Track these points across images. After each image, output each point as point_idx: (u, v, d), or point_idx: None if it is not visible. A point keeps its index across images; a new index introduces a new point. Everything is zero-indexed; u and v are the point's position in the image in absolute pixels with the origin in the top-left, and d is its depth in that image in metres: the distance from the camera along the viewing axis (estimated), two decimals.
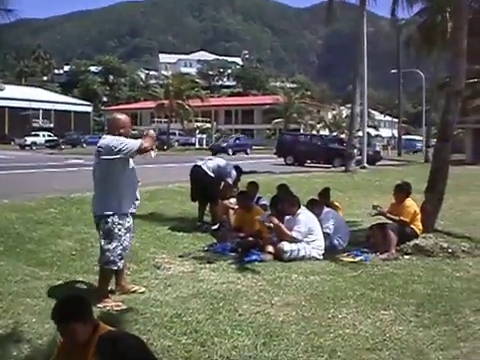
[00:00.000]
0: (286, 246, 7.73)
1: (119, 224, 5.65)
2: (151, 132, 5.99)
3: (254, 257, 7.62)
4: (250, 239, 8.15)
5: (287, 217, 8.27)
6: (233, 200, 9.61)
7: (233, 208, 9.45)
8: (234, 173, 10.30)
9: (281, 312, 5.44)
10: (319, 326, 5.11)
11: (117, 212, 5.64)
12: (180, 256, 7.85)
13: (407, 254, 8.31)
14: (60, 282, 6.36)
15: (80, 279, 6.55)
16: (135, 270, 7.13)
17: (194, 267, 7.15)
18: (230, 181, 10.20)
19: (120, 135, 5.70)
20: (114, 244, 5.64)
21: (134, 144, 5.61)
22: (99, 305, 5.47)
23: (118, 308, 5.50)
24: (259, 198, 10.06)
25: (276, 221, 8.04)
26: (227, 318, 5.22)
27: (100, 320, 4.46)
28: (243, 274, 6.89)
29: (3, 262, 7.08)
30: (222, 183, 10.18)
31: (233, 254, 8.05)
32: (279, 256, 7.72)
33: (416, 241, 8.54)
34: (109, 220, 5.61)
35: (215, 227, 9.60)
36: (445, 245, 8.45)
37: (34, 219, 9.73)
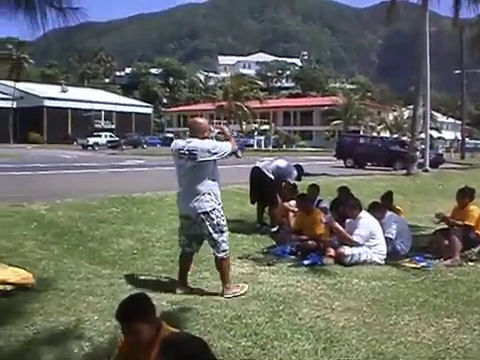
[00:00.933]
0: (347, 250, 7.62)
1: (222, 215, 6.15)
2: (226, 129, 6.58)
3: (314, 260, 7.54)
4: (310, 242, 8.06)
5: (348, 220, 8.16)
6: (293, 202, 9.53)
7: (293, 210, 9.38)
8: (295, 173, 10.25)
9: (342, 317, 5.35)
10: (381, 333, 4.99)
11: (217, 207, 6.08)
12: (239, 257, 7.85)
13: (472, 261, 8.04)
14: (122, 280, 6.46)
15: (142, 278, 6.63)
16: (195, 270, 7.15)
17: (253, 269, 7.13)
18: (291, 180, 10.15)
19: (205, 138, 6.09)
20: (225, 234, 6.16)
21: (227, 146, 6.16)
22: (228, 295, 5.98)
23: (243, 291, 6.11)
24: (319, 201, 9.94)
25: (337, 224, 7.93)
26: (287, 321, 5.17)
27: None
28: (303, 277, 6.82)
29: (67, 260, 7.26)
30: (282, 184, 10.15)
31: (293, 257, 8.00)
32: (340, 260, 7.61)
33: None
34: (213, 215, 6.03)
35: (274, 229, 9.58)
36: None
37: (96, 218, 9.95)
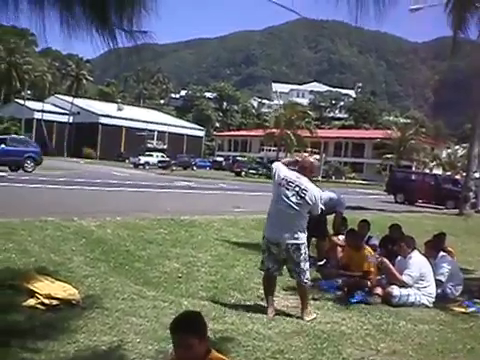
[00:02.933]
0: (395, 290, 7.43)
1: (306, 249, 6.63)
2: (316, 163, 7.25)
3: (361, 298, 7.38)
4: (358, 279, 7.89)
5: (399, 258, 7.96)
6: (341, 237, 9.39)
7: (341, 245, 9.23)
8: (345, 204, 10.11)
9: None
10: None
11: (305, 241, 6.57)
12: (284, 289, 7.74)
13: None
14: (165, 304, 6.45)
15: (185, 303, 6.59)
16: (239, 299, 7.11)
17: (298, 302, 7.00)
18: (342, 210, 10.04)
19: (310, 180, 6.54)
20: (308, 264, 6.62)
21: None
22: (307, 319, 6.34)
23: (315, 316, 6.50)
24: (370, 237, 9.75)
25: (387, 263, 7.75)
26: None
27: None
28: (348, 315, 6.67)
29: (113, 278, 7.30)
30: (334, 215, 10.03)
31: (339, 293, 7.85)
32: (387, 300, 7.42)
33: None
34: (302, 247, 6.45)
35: (321, 263, 9.43)
36: None
37: (144, 238, 10.04)
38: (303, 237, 6.44)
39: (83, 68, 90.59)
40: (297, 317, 6.42)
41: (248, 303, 6.95)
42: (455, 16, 21.45)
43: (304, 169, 6.56)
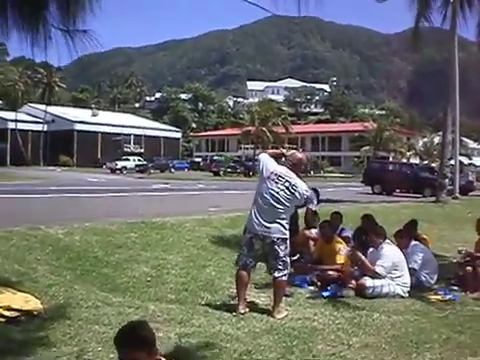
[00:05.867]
0: (368, 282, 7.27)
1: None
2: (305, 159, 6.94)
3: (334, 292, 7.21)
4: (330, 272, 7.73)
5: (371, 250, 7.81)
6: (314, 230, 9.21)
7: (313, 238, 9.05)
8: (315, 201, 9.91)
9: (359, 355, 5.01)
10: None
11: (288, 236, 6.44)
12: (256, 287, 7.56)
13: None
14: (131, 309, 6.22)
15: (152, 307, 6.37)
16: (209, 300, 6.91)
17: (270, 300, 6.80)
18: (312, 207, 9.82)
19: (298, 176, 6.45)
20: (289, 260, 6.50)
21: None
22: (278, 316, 6.13)
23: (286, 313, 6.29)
24: (342, 229, 9.60)
25: (359, 254, 7.60)
26: (299, 359, 4.86)
27: (164, 355, 4.23)
28: (321, 310, 6.50)
29: (78, 286, 7.05)
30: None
31: (312, 288, 7.69)
32: (361, 292, 7.27)
33: None
34: (287, 242, 6.37)
35: (294, 258, 9.19)
36: None
37: (113, 243, 9.79)
38: (288, 232, 6.39)
39: (55, 75, 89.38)
40: (268, 315, 6.22)
41: (218, 303, 6.75)
42: (419, 4, 21.52)
43: (294, 165, 6.47)
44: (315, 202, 9.88)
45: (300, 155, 6.82)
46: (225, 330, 5.58)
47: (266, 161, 6.49)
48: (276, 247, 6.25)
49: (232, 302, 6.73)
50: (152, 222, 11.76)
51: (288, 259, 6.44)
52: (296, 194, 6.26)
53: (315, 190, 10.25)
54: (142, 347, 2.97)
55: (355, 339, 5.47)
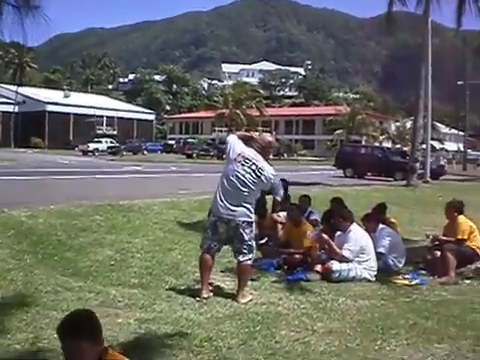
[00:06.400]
0: (335, 265, 7.18)
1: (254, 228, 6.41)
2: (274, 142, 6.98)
3: (300, 276, 7.11)
4: (297, 256, 7.62)
5: (338, 233, 7.72)
6: (282, 213, 9.10)
7: (281, 222, 8.94)
8: (282, 192, 9.76)
9: (323, 341, 4.90)
10: (363, 359, 4.56)
11: (254, 220, 6.34)
12: (222, 271, 7.41)
13: (468, 278, 7.63)
14: (91, 294, 6.03)
15: (113, 292, 6.19)
16: (174, 284, 6.74)
17: (235, 284, 6.67)
18: (279, 198, 9.70)
19: (266, 160, 6.29)
20: (254, 243, 6.36)
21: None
22: (243, 301, 6.01)
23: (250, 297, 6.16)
24: (311, 212, 9.51)
25: (326, 238, 7.50)
26: (262, 345, 4.73)
27: (121, 342, 4.09)
28: (286, 294, 6.39)
29: (38, 270, 6.83)
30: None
31: (278, 271, 7.57)
32: (327, 276, 7.17)
33: (478, 264, 7.83)
34: (252, 225, 6.23)
35: (262, 241, 9.09)
36: None
37: (78, 226, 9.53)
38: (253, 215, 6.24)
39: (26, 56, 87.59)
40: (232, 300, 6.09)
41: (182, 288, 6.58)
42: None
43: (263, 149, 6.27)
44: (282, 193, 9.76)
45: (269, 138, 6.67)
46: (187, 316, 5.44)
47: (234, 143, 6.31)
48: (241, 231, 6.10)
49: (197, 286, 6.56)
50: (119, 205, 11.53)
51: (253, 243, 6.29)
52: (262, 178, 6.09)
53: (284, 180, 10.14)
54: (87, 337, 2.80)
55: (320, 324, 5.36)
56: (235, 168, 6.10)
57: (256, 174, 6.06)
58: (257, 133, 7.15)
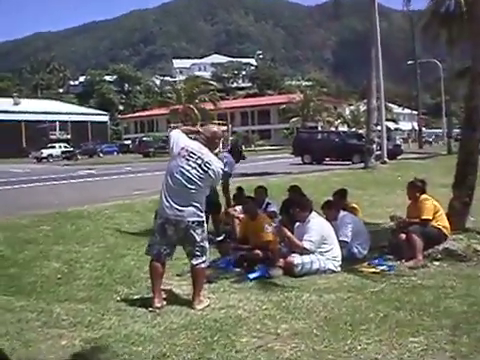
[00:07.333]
0: (297, 259, 6.75)
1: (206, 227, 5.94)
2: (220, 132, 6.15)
3: (260, 273, 6.66)
4: (257, 252, 7.15)
5: (297, 224, 7.31)
6: (239, 208, 8.64)
7: (238, 217, 8.47)
8: (234, 165, 9.20)
9: (288, 345, 4.45)
10: None
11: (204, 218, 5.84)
12: (178, 275, 6.90)
13: (436, 260, 7.31)
14: (33, 315, 5.46)
15: (58, 310, 5.62)
16: (126, 294, 6.21)
17: (191, 288, 6.20)
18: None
19: (212, 152, 5.84)
20: (207, 245, 5.88)
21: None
22: (199, 307, 5.55)
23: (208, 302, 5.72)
24: (268, 204, 9.08)
25: (285, 230, 7.08)
26: (221, 356, 4.26)
27: None
28: (246, 295, 5.93)
29: None
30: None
31: (238, 270, 7.09)
32: (290, 271, 6.73)
33: (445, 244, 7.50)
34: (204, 225, 5.76)
35: (220, 239, 8.57)
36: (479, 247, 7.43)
37: (24, 238, 8.93)
38: (203, 214, 5.74)
39: None
40: (188, 307, 5.60)
41: (135, 297, 6.05)
42: None
43: (208, 140, 5.76)
44: (233, 168, 9.08)
45: (214, 128, 6.13)
46: (138, 330, 4.92)
47: (177, 137, 5.78)
48: (192, 232, 5.60)
49: (150, 295, 6.05)
50: (67, 212, 10.94)
51: (207, 244, 5.80)
52: (210, 172, 5.60)
53: (237, 143, 9.57)
54: None
55: (284, 326, 4.92)
56: (179, 164, 5.57)
57: (203, 169, 5.57)
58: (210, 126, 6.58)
